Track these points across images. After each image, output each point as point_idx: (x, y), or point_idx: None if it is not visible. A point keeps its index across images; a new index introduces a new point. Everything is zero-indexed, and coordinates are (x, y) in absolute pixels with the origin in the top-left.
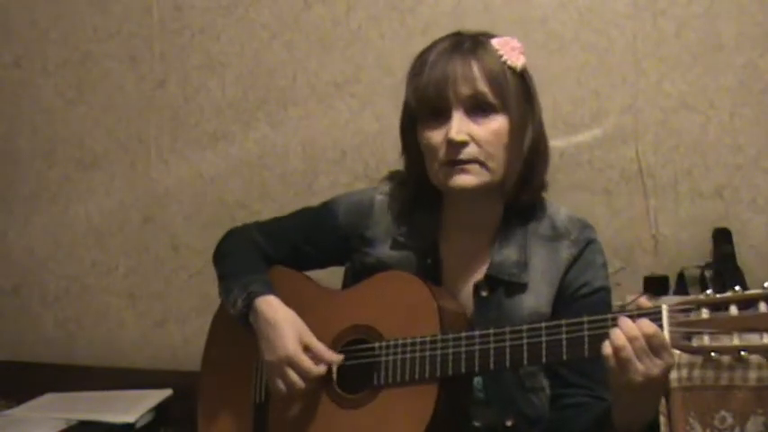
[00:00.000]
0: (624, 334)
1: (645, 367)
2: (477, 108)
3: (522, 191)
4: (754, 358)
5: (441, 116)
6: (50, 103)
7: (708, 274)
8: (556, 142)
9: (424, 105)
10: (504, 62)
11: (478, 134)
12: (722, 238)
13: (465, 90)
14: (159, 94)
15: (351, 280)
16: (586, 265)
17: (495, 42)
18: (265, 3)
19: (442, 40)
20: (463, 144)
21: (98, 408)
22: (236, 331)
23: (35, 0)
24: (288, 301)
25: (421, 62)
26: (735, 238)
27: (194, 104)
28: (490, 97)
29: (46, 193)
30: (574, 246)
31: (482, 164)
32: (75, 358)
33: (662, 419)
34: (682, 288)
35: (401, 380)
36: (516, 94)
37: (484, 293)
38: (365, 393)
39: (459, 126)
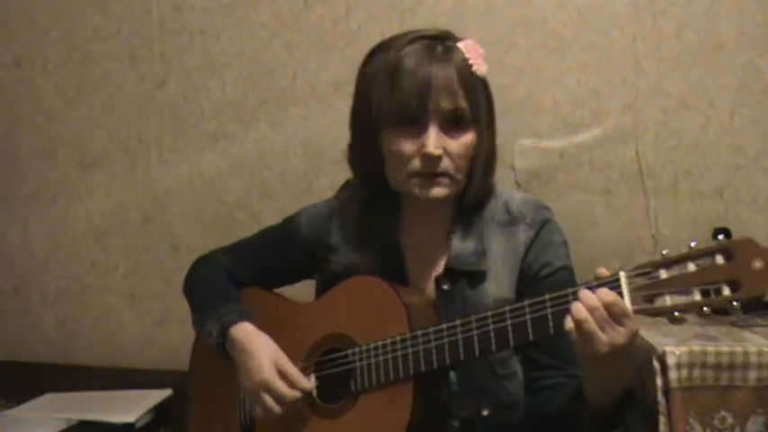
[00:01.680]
0: (584, 306)
1: (609, 337)
2: (453, 122)
3: (477, 192)
4: (754, 358)
5: (415, 125)
6: (50, 103)
7: None
8: (556, 142)
9: (401, 113)
10: (473, 72)
11: (452, 148)
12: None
13: (446, 104)
14: (159, 94)
15: (321, 289)
16: (544, 245)
17: (462, 47)
18: (265, 3)
19: (409, 41)
20: (438, 158)
21: (98, 408)
22: (216, 356)
23: (35, 0)
24: (261, 322)
25: (394, 65)
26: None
27: (194, 104)
28: (466, 112)
29: (46, 193)
30: (530, 228)
31: (452, 177)
32: (75, 358)
33: (662, 419)
34: None
35: (377, 383)
36: (485, 105)
37: (445, 287)
38: (345, 401)
39: (437, 140)
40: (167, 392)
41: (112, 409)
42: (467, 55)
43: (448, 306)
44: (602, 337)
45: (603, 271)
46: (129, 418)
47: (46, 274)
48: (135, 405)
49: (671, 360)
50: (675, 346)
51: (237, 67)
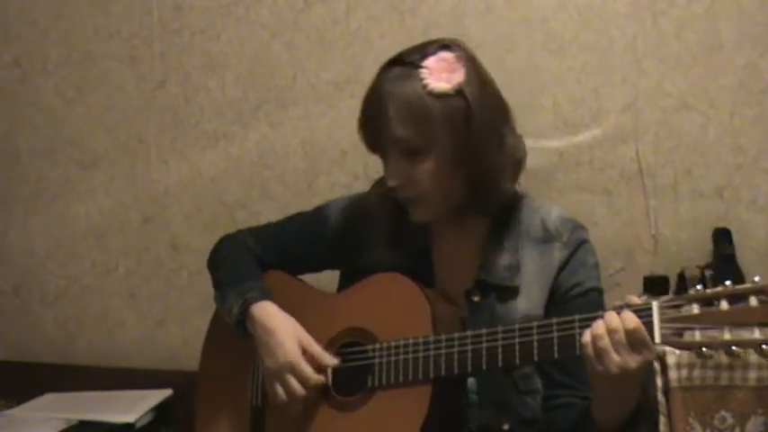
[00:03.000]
0: (605, 325)
1: (622, 360)
2: (406, 150)
3: (481, 203)
4: (754, 358)
5: (383, 155)
6: (50, 103)
7: (708, 274)
8: (556, 142)
9: (367, 146)
10: (431, 92)
11: (413, 174)
12: (722, 238)
13: (389, 135)
14: (159, 94)
15: (345, 283)
16: (578, 265)
17: (426, 66)
18: (265, 3)
19: (386, 68)
20: (401, 185)
21: (98, 408)
22: (232, 335)
23: (35, 0)
24: (282, 306)
25: (364, 97)
26: (735, 238)
27: (194, 104)
28: (411, 141)
29: (46, 193)
30: (566, 247)
31: (423, 201)
32: (75, 358)
33: (662, 419)
34: (682, 288)
35: (395, 381)
36: (444, 124)
37: (475, 298)
38: (360, 396)
39: (393, 170)
40: (167, 392)
41: (112, 409)
42: (423, 76)
43: (476, 318)
44: (615, 358)
45: (635, 299)
46: (129, 418)
47: (46, 274)
48: (135, 405)
49: (671, 360)
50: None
51: (237, 67)
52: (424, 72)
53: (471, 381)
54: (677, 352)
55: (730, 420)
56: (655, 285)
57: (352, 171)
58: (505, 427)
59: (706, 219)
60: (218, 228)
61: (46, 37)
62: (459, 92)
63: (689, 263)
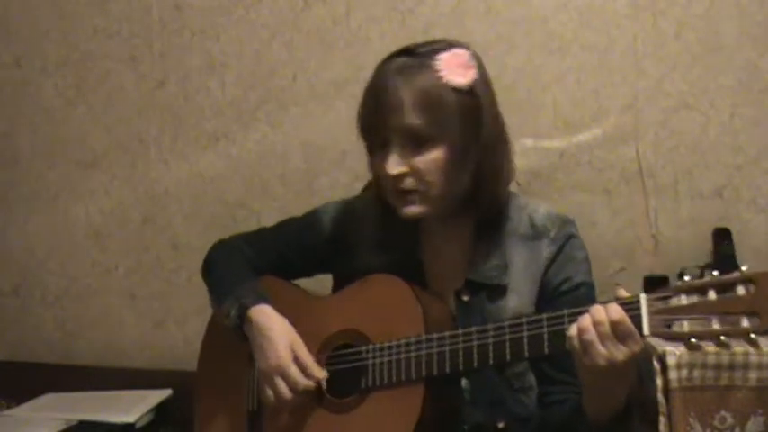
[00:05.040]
0: (590, 318)
1: (608, 352)
2: (413, 139)
3: (476, 204)
4: (753, 358)
5: (384, 146)
6: (50, 103)
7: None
8: (556, 142)
9: (366, 135)
10: (445, 84)
11: (416, 165)
12: (722, 238)
13: (397, 122)
14: (159, 94)
15: (338, 286)
16: (566, 260)
17: (439, 59)
18: (265, 3)
19: (391, 56)
20: (402, 176)
21: (98, 408)
22: (229, 339)
23: (35, 0)
24: (277, 310)
25: (369, 85)
26: (735, 238)
27: (194, 104)
28: (422, 130)
29: (46, 193)
30: (553, 243)
31: (423, 194)
32: (75, 358)
33: (662, 419)
34: None
35: (388, 382)
36: (457, 117)
37: (465, 298)
38: (354, 397)
39: (396, 159)
40: (167, 392)
41: (112, 409)
42: (439, 68)
43: (467, 317)
44: (601, 350)
45: (623, 292)
46: (129, 418)
47: (46, 274)
48: (135, 405)
49: (671, 360)
50: (675, 346)
51: (237, 67)
52: (439, 64)
53: (465, 380)
54: (677, 352)
55: (730, 420)
56: (655, 285)
57: (352, 171)
58: (500, 425)
59: (706, 219)
60: (218, 228)
61: (46, 37)
62: (471, 90)
63: (689, 263)
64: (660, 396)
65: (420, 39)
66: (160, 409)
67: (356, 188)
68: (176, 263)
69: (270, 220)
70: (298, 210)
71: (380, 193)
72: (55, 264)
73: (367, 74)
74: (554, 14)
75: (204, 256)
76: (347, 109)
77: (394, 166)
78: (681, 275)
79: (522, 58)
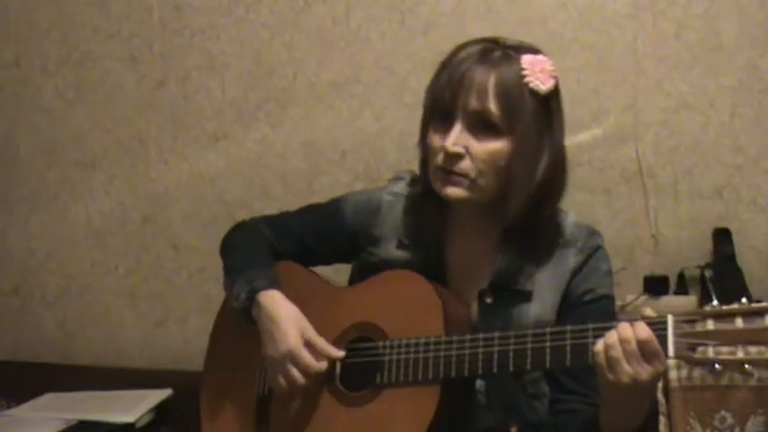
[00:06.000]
0: (618, 335)
1: (633, 370)
2: (481, 124)
3: (525, 218)
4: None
5: (447, 120)
6: (50, 103)
7: (708, 274)
8: None
9: (434, 106)
10: (527, 83)
11: (475, 150)
12: (722, 238)
13: (473, 103)
14: (159, 94)
15: (357, 278)
16: (591, 272)
17: (524, 60)
18: (265, 3)
19: (476, 42)
20: (457, 156)
21: (98, 408)
22: (240, 326)
23: (35, 0)
24: (293, 297)
25: (447, 61)
26: (735, 238)
27: (194, 104)
28: (496, 117)
29: (46, 193)
30: (580, 253)
31: (472, 180)
32: (75, 358)
33: (662, 419)
34: (682, 288)
35: (404, 380)
36: (531, 120)
37: (488, 301)
38: (367, 392)
39: (457, 137)
40: (167, 392)
41: (112, 409)
42: (524, 67)
43: (488, 321)
44: (627, 368)
45: (650, 312)
46: (129, 418)
47: (46, 274)
48: (135, 405)
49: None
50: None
51: (237, 67)
52: (524, 62)
53: (480, 383)
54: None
55: (730, 420)
56: (655, 285)
57: (352, 171)
58: (512, 430)
59: (706, 219)
60: (218, 228)
61: (46, 37)
62: (548, 98)
63: (689, 263)
64: (660, 396)
65: (420, 39)
66: (160, 409)
67: (356, 188)
68: (176, 263)
69: None
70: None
71: (419, 181)
72: (55, 264)
73: (367, 74)
74: (554, 14)
75: (205, 255)
76: (347, 109)
77: (453, 144)
78: (681, 275)
79: None
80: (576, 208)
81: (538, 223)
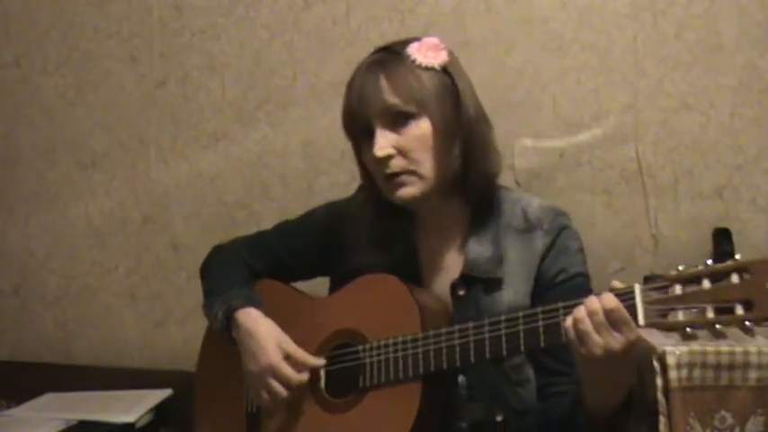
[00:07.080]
0: (585, 308)
1: (603, 341)
2: (394, 119)
3: (468, 187)
4: (753, 358)
5: (368, 134)
6: (50, 103)
7: None
8: (556, 142)
9: (351, 128)
10: (419, 65)
11: (402, 144)
12: (722, 238)
13: (376, 105)
14: (159, 94)
15: (334, 288)
16: (561, 251)
17: (410, 47)
18: (265, 3)
19: (367, 56)
20: (389, 157)
21: (98, 408)
22: (226, 344)
23: (35, 0)
24: (274, 313)
25: (347, 85)
26: (735, 238)
27: (194, 104)
28: (401, 106)
29: (46, 193)
30: (547, 235)
31: (412, 173)
32: (75, 358)
33: (662, 419)
34: None
35: (386, 380)
36: (434, 94)
37: (461, 292)
38: (352, 397)
39: (382, 141)
40: (167, 392)
41: (112, 409)
42: (410, 53)
43: (462, 312)
44: (597, 339)
45: (617, 284)
46: (129, 418)
47: (46, 274)
48: (135, 405)
49: (671, 360)
50: (675, 345)
51: (237, 67)
52: (410, 51)
53: (462, 378)
54: (677, 352)
55: (730, 420)
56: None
57: (352, 171)
58: (498, 418)
59: (706, 219)
60: (218, 228)
61: (46, 37)
62: (445, 69)
63: (689, 263)
64: (660, 396)
65: None
66: (160, 409)
67: (356, 188)
68: (176, 263)
69: (270, 221)
70: (298, 210)
71: (374, 190)
72: (55, 264)
73: None
74: (554, 14)
75: (205, 255)
76: None
77: (380, 148)
78: None
79: (521, 58)
80: (576, 208)
81: (501, 209)
